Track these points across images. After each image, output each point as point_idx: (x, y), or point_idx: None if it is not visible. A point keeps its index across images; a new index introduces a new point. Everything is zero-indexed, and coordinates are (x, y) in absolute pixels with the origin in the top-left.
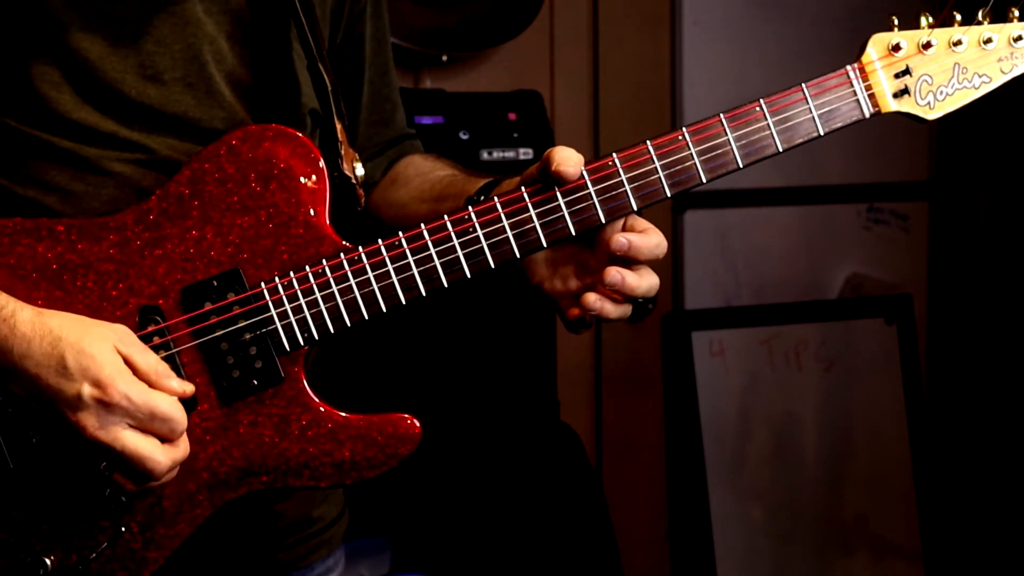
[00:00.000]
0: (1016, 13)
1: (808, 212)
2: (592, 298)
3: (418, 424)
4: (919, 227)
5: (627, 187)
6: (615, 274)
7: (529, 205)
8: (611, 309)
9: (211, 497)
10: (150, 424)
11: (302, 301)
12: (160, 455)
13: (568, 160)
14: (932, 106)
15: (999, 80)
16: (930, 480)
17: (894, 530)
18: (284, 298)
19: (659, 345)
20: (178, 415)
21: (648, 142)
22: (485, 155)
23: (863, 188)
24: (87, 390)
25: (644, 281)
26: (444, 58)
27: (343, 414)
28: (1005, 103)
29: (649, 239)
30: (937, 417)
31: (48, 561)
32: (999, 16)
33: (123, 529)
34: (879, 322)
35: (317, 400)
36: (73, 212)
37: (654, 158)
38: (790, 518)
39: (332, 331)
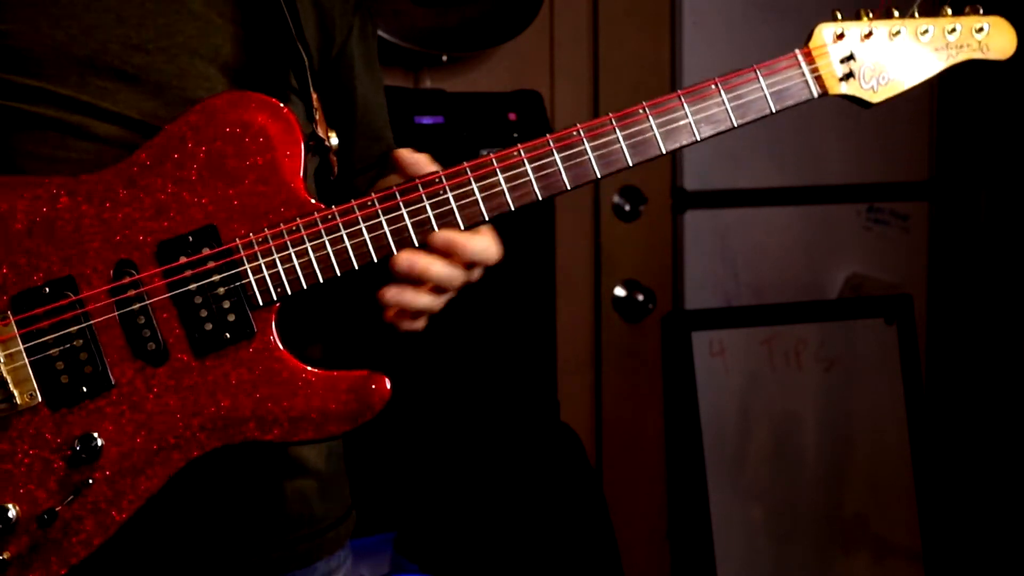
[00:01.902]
0: (948, 11)
1: (808, 212)
2: (391, 292)
3: (388, 380)
4: (919, 227)
5: (591, 155)
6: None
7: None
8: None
9: (183, 451)
10: None
11: (275, 256)
12: None
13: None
14: (876, 90)
15: (937, 68)
16: (930, 480)
17: (894, 530)
18: (258, 253)
19: (659, 345)
20: None
21: (610, 115)
22: (485, 155)
23: (863, 188)
24: None
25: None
26: (444, 58)
27: (313, 369)
28: (1005, 103)
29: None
30: (937, 417)
31: (13, 509)
32: (933, 13)
33: (90, 481)
34: (879, 322)
35: (288, 355)
36: None
37: (616, 129)
38: (790, 518)
39: (304, 287)
